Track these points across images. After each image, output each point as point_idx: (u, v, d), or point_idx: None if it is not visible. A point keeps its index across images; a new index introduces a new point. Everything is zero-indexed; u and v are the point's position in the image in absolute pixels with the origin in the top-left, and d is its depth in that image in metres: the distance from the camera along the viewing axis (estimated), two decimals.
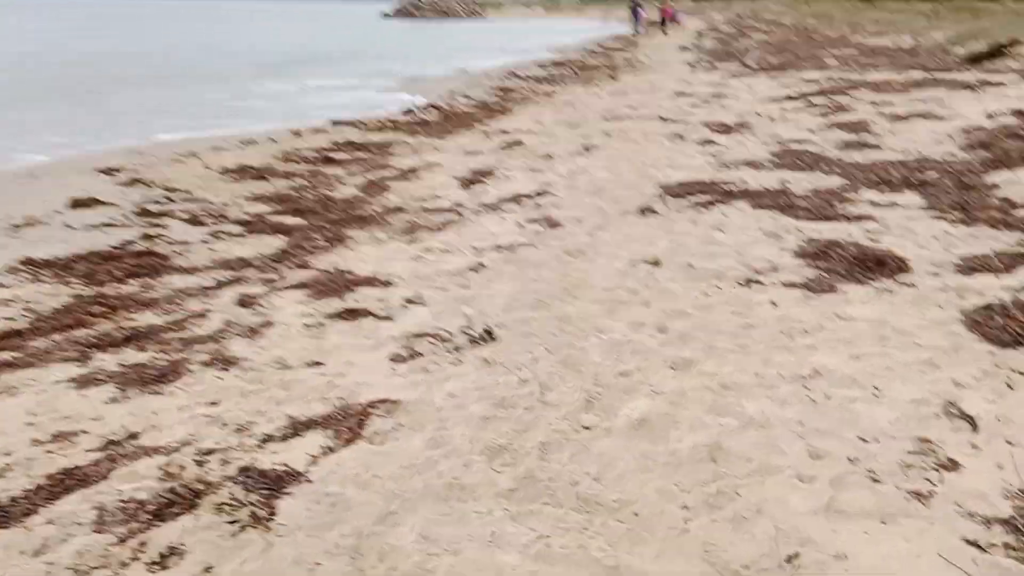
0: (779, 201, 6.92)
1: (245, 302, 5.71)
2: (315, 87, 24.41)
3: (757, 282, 4.99)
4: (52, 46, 40.07)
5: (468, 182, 9.40)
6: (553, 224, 7.02)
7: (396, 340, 4.65)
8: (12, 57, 32.27)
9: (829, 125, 10.84)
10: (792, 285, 4.91)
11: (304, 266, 6.46)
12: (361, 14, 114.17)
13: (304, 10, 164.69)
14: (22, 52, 35.65)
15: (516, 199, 8.22)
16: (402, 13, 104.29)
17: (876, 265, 5.02)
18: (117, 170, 11.04)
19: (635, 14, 46.93)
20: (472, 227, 7.28)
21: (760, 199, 7.06)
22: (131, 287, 6.19)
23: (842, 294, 4.73)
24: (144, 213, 8.59)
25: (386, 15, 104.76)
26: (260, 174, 10.43)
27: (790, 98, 14.04)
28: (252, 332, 5.09)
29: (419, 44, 47.76)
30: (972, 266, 4.95)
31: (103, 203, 9.09)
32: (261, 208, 8.80)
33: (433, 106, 18.47)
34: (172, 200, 9.25)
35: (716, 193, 7.42)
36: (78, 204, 9.00)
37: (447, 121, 15.62)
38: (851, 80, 16.04)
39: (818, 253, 5.40)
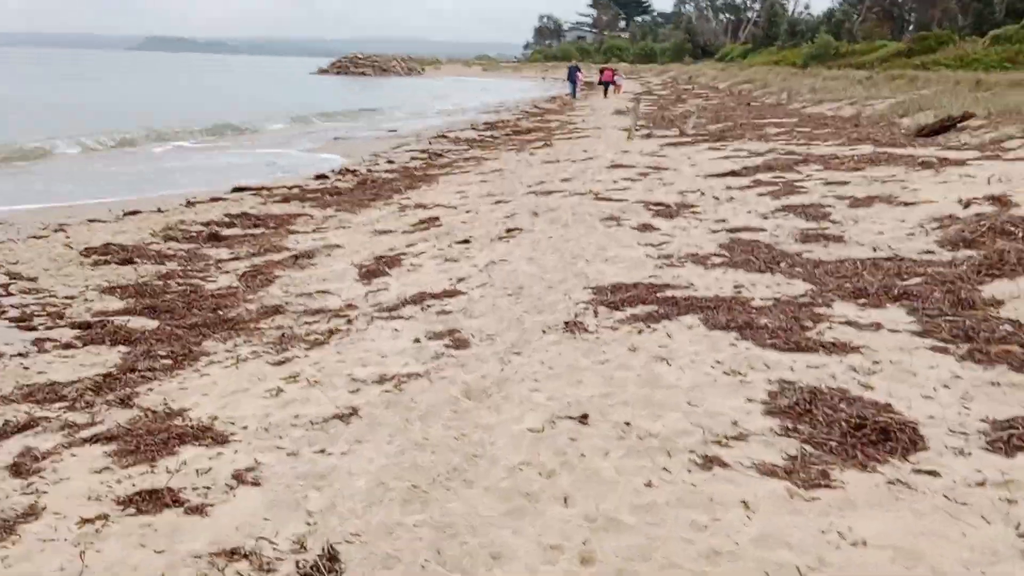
0: (737, 318, 5.59)
1: (22, 467, 4.12)
2: (231, 147, 22.83)
3: (720, 462, 3.59)
4: None
5: (369, 273, 7.94)
6: (458, 343, 5.58)
7: (194, 561, 3.12)
8: None
9: (782, 209, 9.67)
10: (770, 470, 3.52)
11: (127, 401, 4.89)
12: (295, 68, 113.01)
13: (236, 63, 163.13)
14: None
15: (420, 300, 6.77)
16: (339, 69, 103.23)
17: (879, 437, 3.67)
18: None
19: (572, 76, 46.41)
20: (358, 343, 5.80)
21: (713, 314, 5.72)
22: None
23: (840, 489, 3.35)
24: None
25: (322, 70, 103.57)
26: (128, 256, 8.83)
27: (734, 173, 12.94)
28: (4, 530, 3.51)
29: (352, 101, 46.48)
30: (1008, 437, 3.63)
31: None
32: (112, 304, 7.22)
33: (351, 171, 17.06)
34: (8, 291, 7.60)
35: (659, 303, 6.07)
36: None
37: (363, 189, 14.22)
38: (797, 154, 15.07)
39: (797, 410, 4.04)
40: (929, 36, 52.20)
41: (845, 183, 11.13)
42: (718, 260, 7.44)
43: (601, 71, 48.70)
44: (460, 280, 7.36)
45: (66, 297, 7.42)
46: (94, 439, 4.30)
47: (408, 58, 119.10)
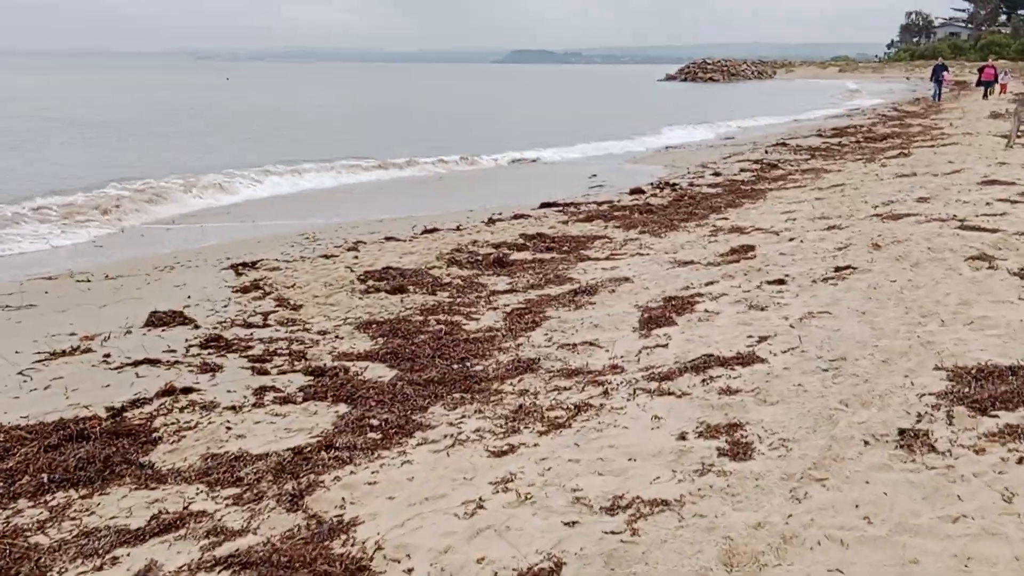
0: None
1: None
2: (555, 159, 22.37)
3: None
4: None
5: (651, 320, 6.49)
6: (737, 448, 3.98)
7: None
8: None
9: None
10: None
11: (298, 500, 3.87)
12: (643, 77, 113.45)
13: (589, 72, 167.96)
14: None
15: (703, 367, 5.22)
16: (685, 75, 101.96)
17: None
18: (251, 265, 9.25)
19: (938, 76, 41.19)
20: (606, 429, 4.41)
21: None
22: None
23: None
24: (207, 344, 6.51)
25: (670, 76, 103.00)
26: (401, 284, 8.14)
27: None
28: None
29: (692, 107, 45.02)
30: None
31: (185, 320, 7.16)
32: (361, 344, 6.45)
33: (670, 184, 15.64)
34: (266, 321, 7.15)
35: None
36: (154, 321, 7.12)
37: (677, 207, 12.75)
38: None
39: None
40: None
41: None
42: None
43: (981, 69, 42.77)
44: (762, 340, 5.68)
45: (319, 332, 6.78)
46: (227, 563, 3.31)
47: (759, 62, 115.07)
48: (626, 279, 8.01)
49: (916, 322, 5.69)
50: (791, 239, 9.10)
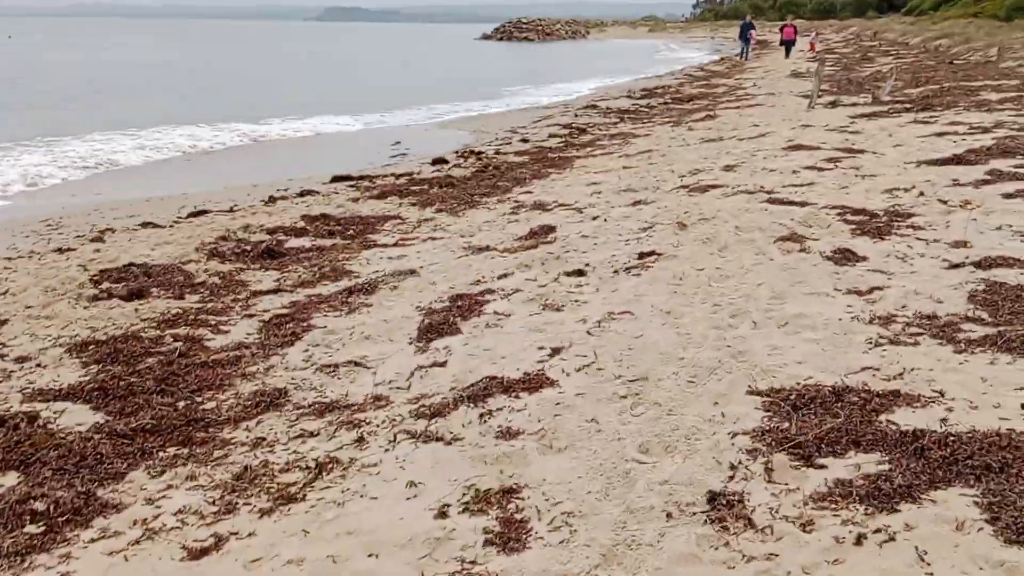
0: None
1: None
2: (357, 125, 20.94)
3: None
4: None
5: (433, 327, 5.51)
6: (509, 531, 3.05)
7: None
8: None
9: None
10: None
11: None
12: (460, 35, 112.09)
13: (403, 31, 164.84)
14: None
15: (483, 395, 4.28)
16: (501, 34, 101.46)
17: None
18: None
19: (745, 34, 42.19)
20: (348, 504, 3.39)
21: (1005, 486, 2.96)
22: None
23: None
24: None
25: (486, 36, 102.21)
26: (141, 287, 6.78)
27: (959, 160, 9.68)
28: None
29: (503, 67, 44.34)
30: None
31: None
32: (67, 375, 5.12)
33: (476, 152, 14.71)
34: None
35: (886, 446, 3.34)
36: None
37: (480, 179, 11.82)
38: None
39: None
40: None
41: None
42: (973, 331, 4.55)
43: (781, 29, 44.12)
44: (555, 353, 4.80)
45: (18, 359, 5.38)
46: None
47: (573, 21, 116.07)
48: (412, 271, 6.98)
49: (726, 324, 4.97)
50: (595, 217, 8.34)
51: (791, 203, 7.98)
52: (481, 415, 4.07)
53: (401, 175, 12.57)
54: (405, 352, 5.15)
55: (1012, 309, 4.77)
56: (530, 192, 10.42)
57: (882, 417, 3.58)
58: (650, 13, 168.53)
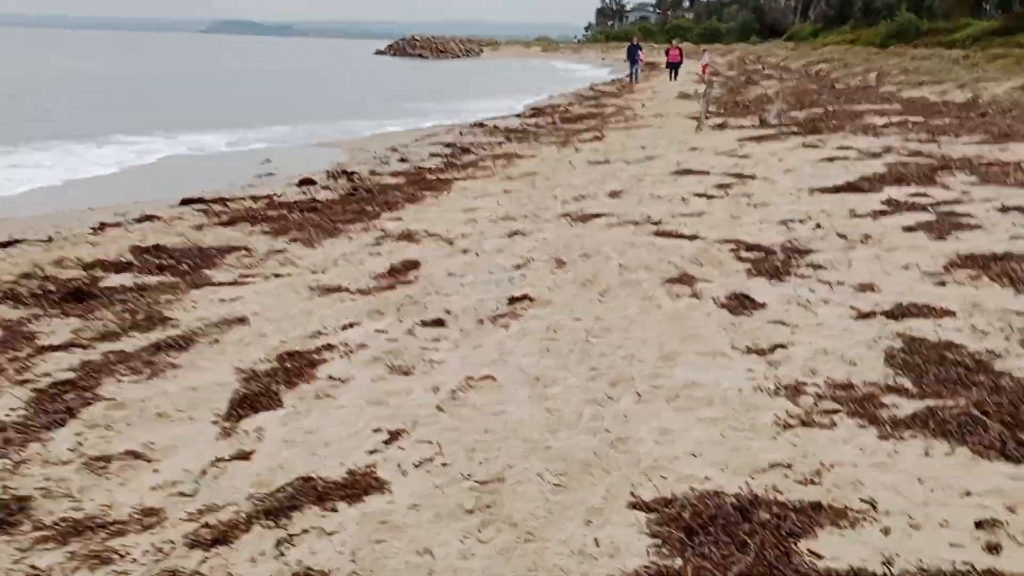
0: None
1: None
2: (231, 141, 19.47)
3: None
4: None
5: (249, 400, 4.43)
6: None
7: None
8: None
9: (960, 262, 5.94)
10: None
11: None
12: (355, 51, 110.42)
13: (295, 45, 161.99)
14: None
15: (286, 509, 3.24)
16: (395, 51, 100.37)
17: None
18: None
19: (633, 56, 42.16)
20: None
21: None
22: None
23: None
24: None
25: (379, 52, 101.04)
26: None
27: (853, 187, 9.15)
28: None
29: (394, 84, 43.21)
30: None
31: None
32: None
33: (347, 173, 13.58)
34: None
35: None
36: None
37: (346, 204, 10.73)
38: (928, 155, 11.17)
39: None
40: None
41: None
42: (898, 407, 3.76)
43: (667, 51, 44.31)
44: (392, 438, 3.80)
45: None
46: None
47: (467, 40, 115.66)
48: (242, 319, 5.86)
49: (604, 396, 4.06)
50: (465, 250, 7.39)
51: (680, 236, 7.21)
52: (279, 542, 3.03)
53: (261, 198, 11.35)
54: (205, 437, 4.05)
55: (939, 375, 4.01)
56: (399, 219, 9.39)
57: (802, 545, 2.71)
58: (543, 34, 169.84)
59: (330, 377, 4.66)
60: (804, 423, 3.64)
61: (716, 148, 13.56)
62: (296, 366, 4.86)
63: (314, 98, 33.72)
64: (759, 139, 14.63)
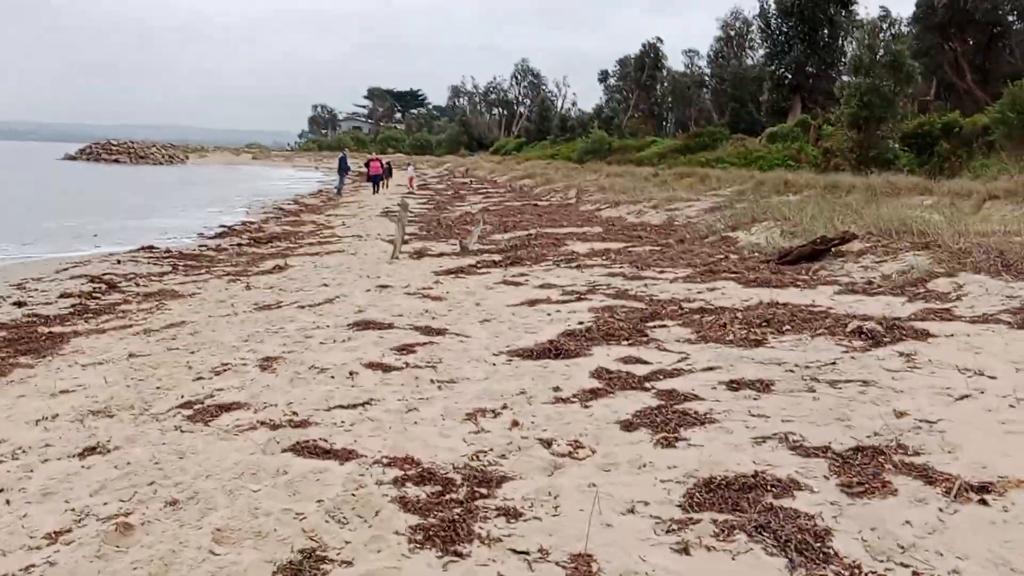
0: None
1: None
2: None
3: None
4: None
5: None
6: None
7: None
8: None
9: (695, 480, 4.29)
10: None
11: None
12: (41, 155, 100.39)
13: None
14: None
15: None
16: (88, 155, 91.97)
17: None
18: None
19: (343, 167, 40.54)
20: None
21: None
22: None
23: None
24: None
25: (70, 156, 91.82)
26: None
27: (559, 350, 7.57)
28: None
29: (75, 198, 38.35)
30: None
31: None
32: None
33: None
34: None
35: None
36: None
37: None
38: (636, 297, 10.00)
39: None
40: (703, 133, 51.68)
41: (763, 387, 5.98)
42: None
43: (367, 163, 43.16)
44: None
45: None
46: None
47: (170, 145, 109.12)
48: None
49: None
50: (46, 467, 4.78)
51: (328, 452, 5.08)
52: None
53: None
54: None
55: None
56: None
57: None
58: (254, 141, 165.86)
59: None
60: None
61: (409, 285, 11.77)
62: None
63: None
64: (457, 272, 13.08)
